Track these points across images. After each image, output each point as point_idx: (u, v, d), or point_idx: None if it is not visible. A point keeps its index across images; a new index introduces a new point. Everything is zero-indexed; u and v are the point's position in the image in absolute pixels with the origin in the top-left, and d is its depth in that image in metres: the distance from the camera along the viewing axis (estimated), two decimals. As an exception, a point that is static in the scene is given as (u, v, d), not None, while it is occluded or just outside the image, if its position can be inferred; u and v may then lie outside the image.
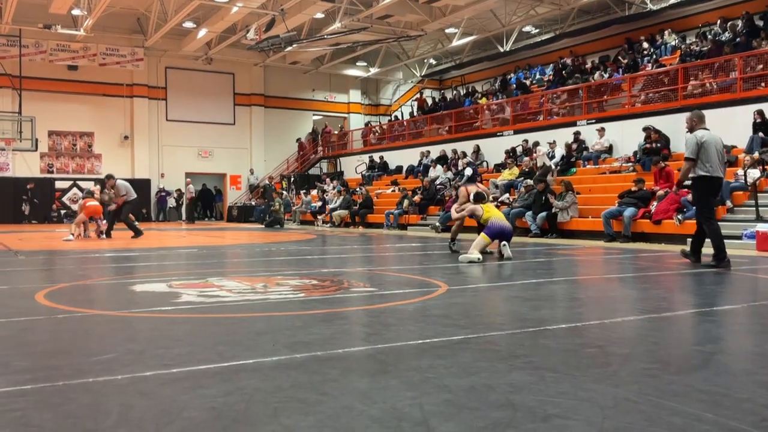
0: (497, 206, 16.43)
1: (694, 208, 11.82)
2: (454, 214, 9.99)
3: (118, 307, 4.83)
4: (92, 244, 12.34)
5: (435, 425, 2.11)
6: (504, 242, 8.84)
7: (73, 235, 13.77)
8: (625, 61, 20.34)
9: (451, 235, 10.32)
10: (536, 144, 18.73)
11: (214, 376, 2.73)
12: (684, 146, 7.83)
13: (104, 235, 14.50)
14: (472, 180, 11.59)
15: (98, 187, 16.84)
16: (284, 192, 26.23)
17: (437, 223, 16.85)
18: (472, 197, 9.54)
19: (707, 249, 7.82)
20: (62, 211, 26.51)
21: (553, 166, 16.93)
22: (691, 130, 7.88)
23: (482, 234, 8.75)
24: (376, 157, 26.95)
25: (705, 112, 15.19)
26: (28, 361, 3.05)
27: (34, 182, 25.76)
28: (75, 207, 22.32)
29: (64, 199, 26.86)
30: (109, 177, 15.24)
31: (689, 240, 8.36)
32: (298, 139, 31.42)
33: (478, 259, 8.34)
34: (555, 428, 2.09)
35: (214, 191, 31.62)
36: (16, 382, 2.62)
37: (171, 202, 28.26)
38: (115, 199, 14.59)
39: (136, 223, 15.00)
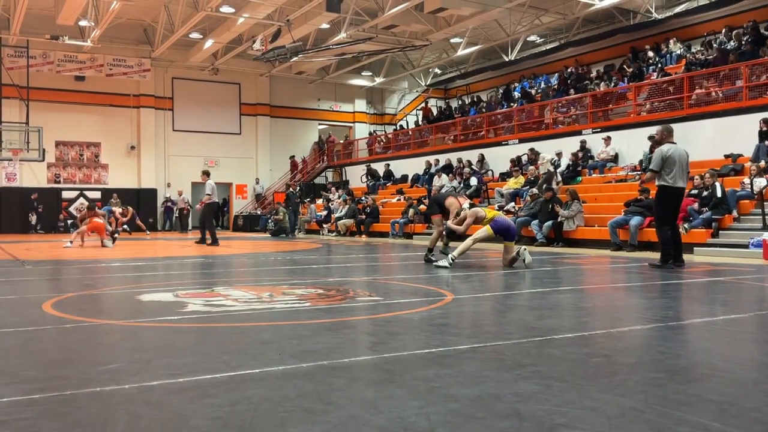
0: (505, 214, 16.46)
1: (700, 217, 11.87)
2: (454, 227, 9.28)
3: (124, 317, 4.85)
4: (98, 254, 12.38)
5: (441, 435, 2.11)
6: (524, 247, 8.94)
7: (71, 242, 14.43)
8: (630, 69, 20.35)
9: (429, 245, 9.94)
10: (536, 154, 18.75)
11: (221, 385, 2.74)
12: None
13: (111, 241, 14.70)
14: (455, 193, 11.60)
15: (116, 202, 17.28)
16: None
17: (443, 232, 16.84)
18: (467, 204, 9.42)
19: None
20: (69, 221, 26.60)
21: (559, 176, 16.90)
22: (659, 142, 8.67)
23: (487, 226, 8.69)
24: (380, 166, 26.97)
25: (711, 120, 15.42)
26: (36, 370, 3.07)
27: (38, 193, 25.87)
28: (77, 213, 22.63)
29: (71, 209, 26.97)
30: (205, 173, 16.16)
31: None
32: (292, 157, 31.15)
33: (450, 264, 8.60)
34: (561, 438, 2.08)
35: (221, 201, 31.70)
36: (25, 392, 2.63)
37: (177, 212, 28.30)
38: (205, 199, 15.57)
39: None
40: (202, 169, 16.89)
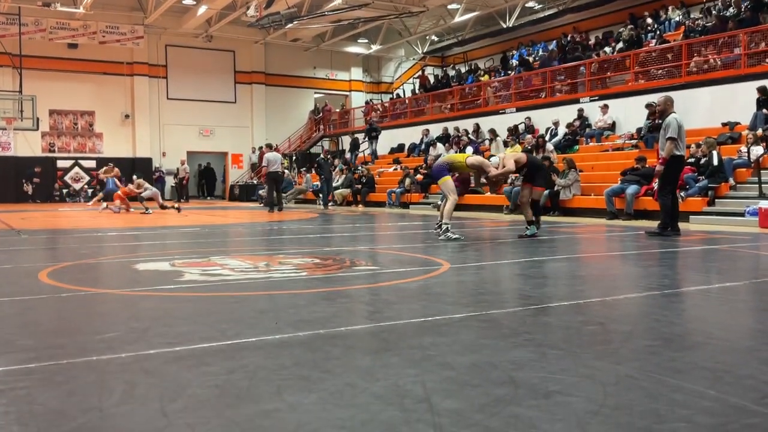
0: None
1: (697, 185, 11.88)
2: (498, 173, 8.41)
3: (121, 286, 4.85)
4: (95, 223, 12.36)
5: (437, 402, 2.12)
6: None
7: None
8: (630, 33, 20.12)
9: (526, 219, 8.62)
10: (493, 134, 18.64)
11: (218, 354, 2.74)
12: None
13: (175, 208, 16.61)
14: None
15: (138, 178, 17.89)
16: (286, 170, 26.08)
17: (439, 202, 16.82)
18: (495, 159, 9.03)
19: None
20: (64, 190, 26.54)
21: (550, 145, 16.77)
22: (663, 112, 8.68)
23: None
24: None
25: (709, 88, 15.31)
26: (33, 339, 3.07)
27: (35, 163, 25.77)
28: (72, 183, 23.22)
29: (66, 178, 26.87)
30: (268, 146, 18.61)
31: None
32: (260, 148, 29.36)
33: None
34: (556, 405, 2.10)
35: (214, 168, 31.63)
36: (21, 361, 2.63)
37: (171, 181, 28.19)
38: (260, 170, 17.32)
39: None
40: (267, 143, 19.18)
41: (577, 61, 19.79)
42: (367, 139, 25.67)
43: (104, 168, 21.20)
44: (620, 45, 19.70)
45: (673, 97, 8.91)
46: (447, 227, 8.14)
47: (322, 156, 21.56)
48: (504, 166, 8.37)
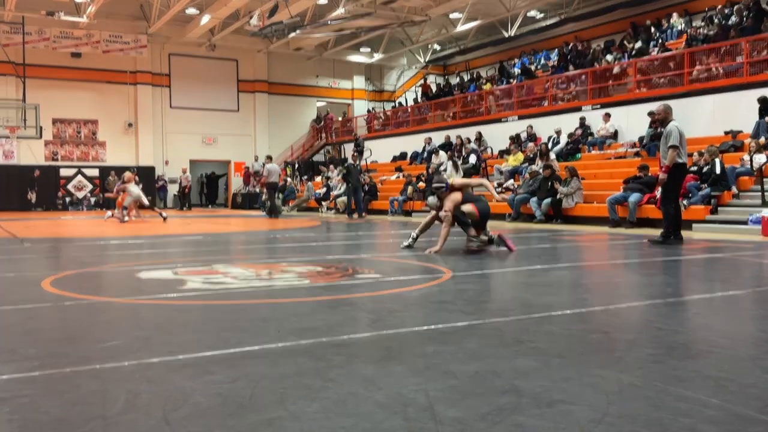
0: (501, 190, 16.28)
1: (699, 193, 11.87)
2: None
3: (124, 295, 4.85)
4: (98, 231, 12.38)
5: (440, 411, 2.12)
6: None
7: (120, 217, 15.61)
8: (631, 45, 20.17)
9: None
10: (433, 152, 18.55)
11: (221, 362, 2.74)
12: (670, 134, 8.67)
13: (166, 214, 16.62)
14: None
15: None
16: (288, 179, 26.14)
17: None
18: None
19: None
20: (67, 199, 26.59)
21: (553, 154, 16.79)
22: (663, 120, 8.78)
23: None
24: (377, 143, 26.77)
25: (711, 96, 15.33)
26: (36, 348, 3.07)
27: (39, 170, 25.83)
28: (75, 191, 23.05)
29: (69, 186, 26.93)
30: (267, 157, 19.41)
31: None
32: (246, 168, 29.78)
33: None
34: (560, 414, 2.09)
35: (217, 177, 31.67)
36: (24, 369, 2.63)
37: (173, 190, 28.23)
38: (260, 179, 18.13)
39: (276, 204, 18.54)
40: (267, 155, 20.08)
41: (598, 66, 19.59)
42: (355, 154, 25.34)
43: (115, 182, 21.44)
44: (639, 44, 19.62)
45: (675, 105, 8.95)
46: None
47: (351, 161, 19.43)
48: (447, 213, 7.77)
